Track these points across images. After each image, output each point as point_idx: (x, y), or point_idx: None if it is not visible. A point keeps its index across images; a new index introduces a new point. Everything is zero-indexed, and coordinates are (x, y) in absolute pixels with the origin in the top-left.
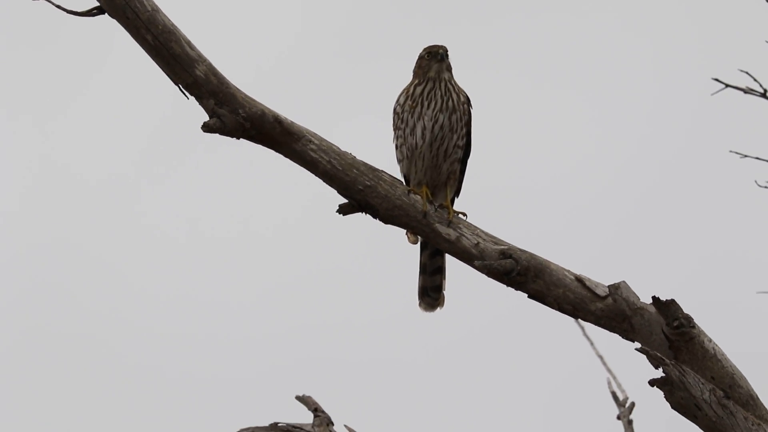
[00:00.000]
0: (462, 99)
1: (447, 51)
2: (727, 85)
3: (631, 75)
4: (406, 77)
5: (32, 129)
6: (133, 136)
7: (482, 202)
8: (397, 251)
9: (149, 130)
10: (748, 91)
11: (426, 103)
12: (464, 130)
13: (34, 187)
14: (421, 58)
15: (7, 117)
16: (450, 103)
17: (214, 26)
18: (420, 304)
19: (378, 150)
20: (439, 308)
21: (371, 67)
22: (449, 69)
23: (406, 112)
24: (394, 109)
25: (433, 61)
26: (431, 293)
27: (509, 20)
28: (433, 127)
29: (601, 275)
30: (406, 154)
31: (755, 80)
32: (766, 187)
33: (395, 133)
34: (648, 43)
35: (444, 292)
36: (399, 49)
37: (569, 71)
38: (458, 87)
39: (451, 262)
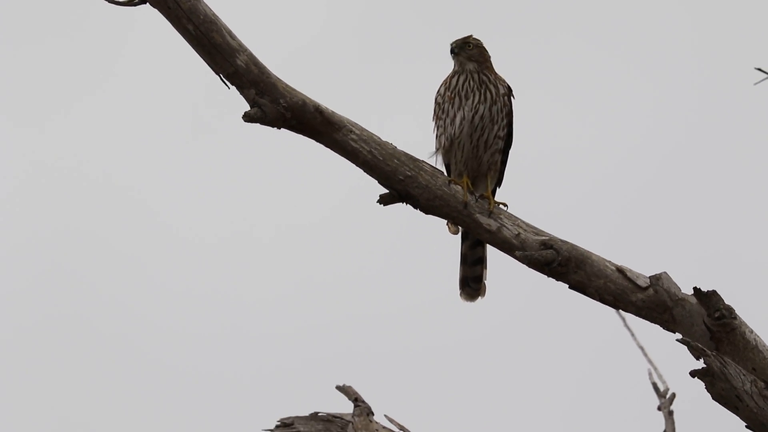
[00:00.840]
0: (503, 90)
1: (461, 45)
2: None
3: (671, 67)
4: (426, 75)
5: (41, 123)
6: (149, 129)
7: (523, 192)
8: (436, 241)
9: (164, 123)
10: None
11: (464, 95)
12: (505, 121)
13: (42, 182)
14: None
15: (14, 112)
16: (488, 94)
17: (235, 15)
18: (461, 294)
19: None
20: (480, 298)
21: (389, 64)
22: (472, 60)
23: (447, 103)
24: (435, 99)
25: (452, 57)
26: (472, 283)
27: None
28: (473, 117)
29: (643, 263)
30: (445, 144)
31: None
32: None
33: (436, 123)
34: (688, 34)
35: (485, 282)
36: (418, 48)
37: (610, 62)
38: (497, 77)
39: (492, 252)
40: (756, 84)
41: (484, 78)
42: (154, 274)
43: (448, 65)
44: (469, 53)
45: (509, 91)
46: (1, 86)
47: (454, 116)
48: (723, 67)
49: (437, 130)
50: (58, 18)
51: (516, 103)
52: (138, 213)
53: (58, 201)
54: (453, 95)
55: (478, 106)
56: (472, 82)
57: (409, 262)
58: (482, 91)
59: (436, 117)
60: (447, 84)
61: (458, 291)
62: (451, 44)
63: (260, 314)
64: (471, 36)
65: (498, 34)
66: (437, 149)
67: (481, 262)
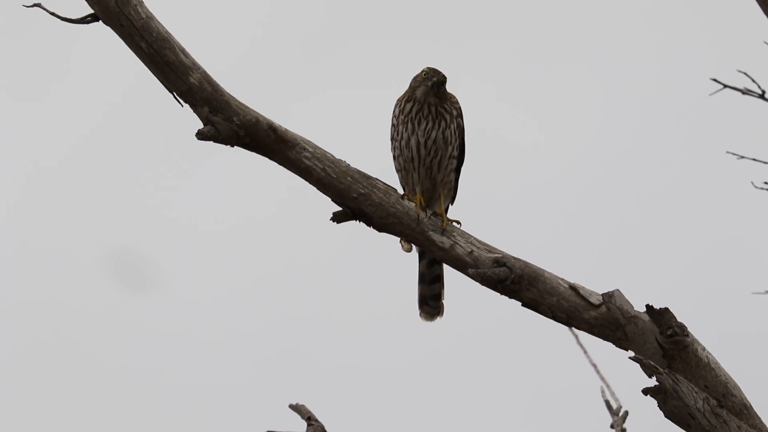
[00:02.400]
0: (455, 113)
1: (443, 81)
2: (725, 86)
3: (626, 73)
4: (361, 76)
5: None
6: (115, 133)
7: (476, 210)
8: (392, 257)
9: (131, 127)
10: (746, 92)
11: (416, 122)
12: (458, 141)
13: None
14: (420, 71)
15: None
16: (442, 122)
17: (180, 20)
18: (420, 314)
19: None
20: (438, 317)
21: (331, 61)
22: (438, 95)
23: (401, 125)
24: (391, 120)
25: (424, 84)
26: (430, 302)
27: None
28: (426, 142)
29: (596, 279)
30: (403, 165)
31: (753, 81)
32: (763, 188)
33: (392, 144)
34: (649, 41)
35: (443, 301)
36: (359, 54)
37: (563, 65)
38: (450, 100)
39: (448, 270)
40: (711, 95)
41: (441, 110)
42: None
43: (386, 73)
44: (440, 90)
45: (460, 114)
46: None
47: (408, 139)
48: (678, 72)
49: (393, 151)
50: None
51: (467, 120)
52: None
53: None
54: (406, 120)
55: (430, 132)
56: (425, 111)
57: (364, 278)
58: (437, 119)
59: (392, 138)
60: (401, 108)
61: (417, 310)
62: (437, 77)
63: (212, 331)
64: (443, 74)
65: (445, 35)
66: (398, 170)
67: (439, 280)
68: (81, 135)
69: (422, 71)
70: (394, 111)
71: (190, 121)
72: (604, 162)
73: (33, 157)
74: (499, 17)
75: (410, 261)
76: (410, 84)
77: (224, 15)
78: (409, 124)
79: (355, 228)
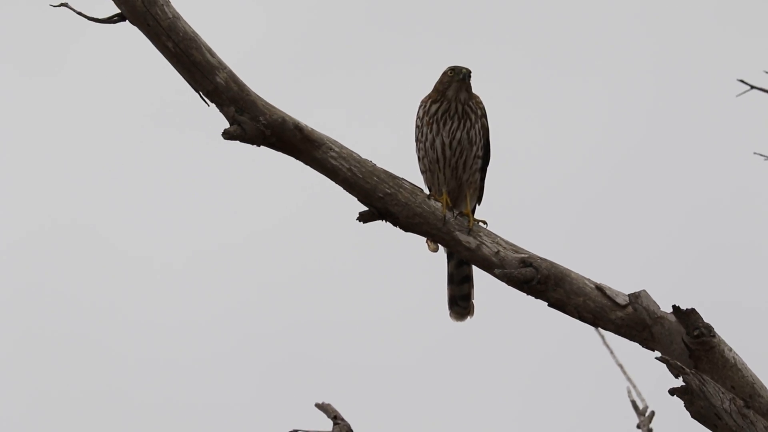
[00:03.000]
0: (479, 113)
1: (470, 73)
2: (752, 87)
3: (634, 70)
4: (367, 83)
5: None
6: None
7: (503, 210)
8: (420, 257)
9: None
10: None
11: (441, 122)
12: (482, 141)
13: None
14: (443, 74)
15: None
16: (467, 122)
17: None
18: (450, 314)
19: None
20: (469, 317)
21: (333, 69)
22: (468, 90)
23: (425, 126)
24: (415, 122)
25: (455, 80)
26: (460, 302)
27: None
28: (450, 142)
29: (622, 280)
30: (429, 166)
31: None
32: None
33: (416, 145)
34: (654, 40)
35: (473, 300)
36: (362, 53)
37: (573, 65)
38: (475, 100)
39: (476, 269)
40: (738, 96)
41: (467, 108)
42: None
43: (396, 71)
44: (469, 83)
45: (484, 114)
46: None
47: (433, 140)
48: (699, 76)
49: (418, 152)
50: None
51: (492, 120)
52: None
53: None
54: (431, 121)
55: (455, 132)
56: (452, 110)
57: (389, 276)
58: (463, 120)
59: (417, 140)
60: (426, 109)
61: (447, 310)
62: (465, 69)
63: (237, 330)
64: (467, 67)
65: (451, 38)
66: (423, 171)
67: (468, 280)
68: (93, 114)
69: (447, 71)
70: (417, 113)
71: (201, 118)
72: (624, 167)
73: (43, 134)
74: (503, 19)
75: (436, 260)
76: (435, 86)
77: (231, 11)
78: (434, 125)
79: (381, 228)
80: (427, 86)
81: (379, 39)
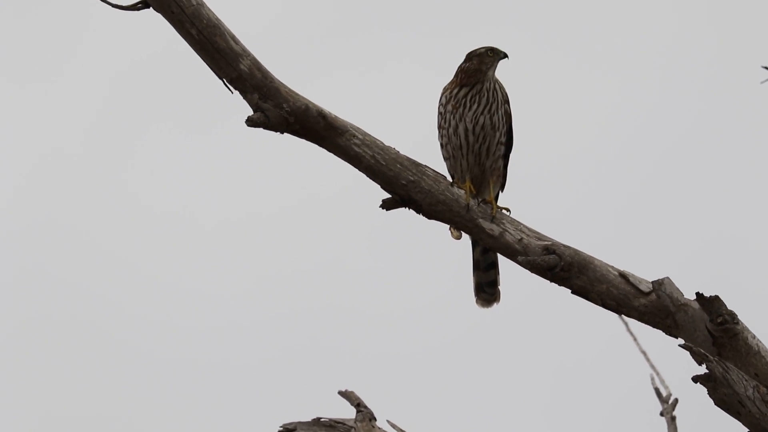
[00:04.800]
0: (502, 99)
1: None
2: None
3: (642, 55)
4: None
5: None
6: (127, 117)
7: (526, 197)
8: (440, 245)
9: (145, 108)
10: None
11: (468, 105)
12: (505, 127)
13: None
14: (481, 54)
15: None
16: (494, 105)
17: None
18: (477, 301)
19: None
20: (495, 304)
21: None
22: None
23: (449, 113)
24: (437, 108)
25: (496, 60)
26: (487, 289)
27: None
28: (474, 128)
29: (644, 268)
30: (452, 153)
31: None
32: None
33: (439, 132)
34: (660, 26)
35: (499, 287)
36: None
37: (583, 49)
38: (499, 85)
39: (501, 257)
40: (763, 82)
41: (496, 87)
42: (146, 269)
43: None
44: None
45: (507, 101)
46: None
47: (456, 126)
48: (721, 63)
49: (441, 138)
50: None
51: (514, 107)
52: (114, 206)
53: (30, 192)
54: (457, 104)
55: (479, 117)
56: (485, 92)
57: (413, 264)
58: (491, 102)
59: (439, 127)
60: (452, 94)
61: (473, 297)
62: (502, 51)
63: (262, 318)
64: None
65: (466, 33)
66: (446, 158)
67: (494, 266)
68: (95, 115)
69: (484, 50)
70: (440, 100)
71: (203, 105)
72: (654, 155)
73: (41, 141)
74: (503, 9)
75: (460, 247)
76: (462, 69)
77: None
78: (460, 108)
79: (405, 215)
80: (429, 79)
81: (379, 34)
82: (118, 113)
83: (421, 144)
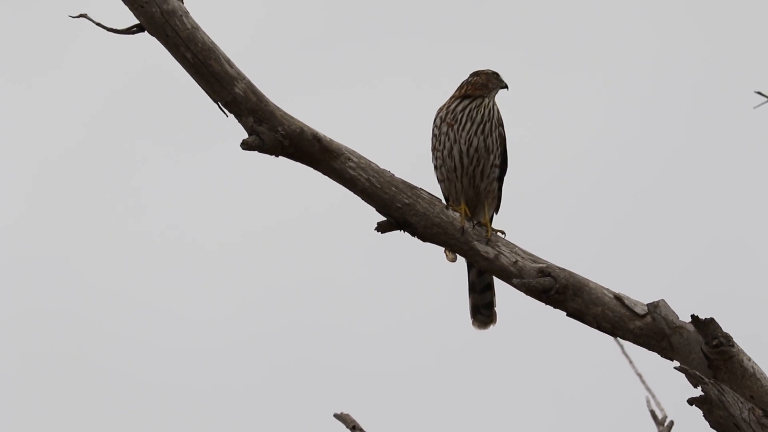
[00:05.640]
0: (496, 122)
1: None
2: None
3: (625, 70)
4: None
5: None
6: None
7: (520, 219)
8: (436, 265)
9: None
10: None
11: (463, 123)
12: (500, 150)
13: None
14: (489, 74)
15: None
16: (488, 126)
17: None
18: (473, 323)
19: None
20: (492, 325)
21: (328, 60)
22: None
23: (443, 134)
24: (432, 131)
25: (500, 86)
26: (483, 311)
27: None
28: (468, 150)
29: (640, 288)
30: (446, 175)
31: None
32: None
33: (433, 154)
34: (646, 37)
35: (495, 308)
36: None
37: (570, 62)
38: (497, 110)
39: (497, 279)
40: (756, 108)
41: (496, 107)
42: (138, 290)
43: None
44: None
45: (501, 122)
46: None
47: (451, 148)
48: (715, 75)
49: (435, 161)
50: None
51: (508, 126)
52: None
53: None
54: (453, 121)
55: (472, 139)
56: (482, 110)
57: (407, 284)
58: (483, 121)
59: (434, 148)
60: (449, 109)
61: (469, 319)
62: (504, 81)
63: (257, 340)
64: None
65: (440, 37)
66: (440, 180)
67: (490, 288)
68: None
69: (491, 74)
70: (435, 121)
71: (192, 123)
72: (631, 171)
73: (34, 145)
74: (496, 18)
75: (456, 269)
76: (464, 86)
77: (224, 11)
78: (453, 129)
79: (400, 237)
80: (417, 91)
81: (369, 48)
82: (108, 133)
83: (415, 165)
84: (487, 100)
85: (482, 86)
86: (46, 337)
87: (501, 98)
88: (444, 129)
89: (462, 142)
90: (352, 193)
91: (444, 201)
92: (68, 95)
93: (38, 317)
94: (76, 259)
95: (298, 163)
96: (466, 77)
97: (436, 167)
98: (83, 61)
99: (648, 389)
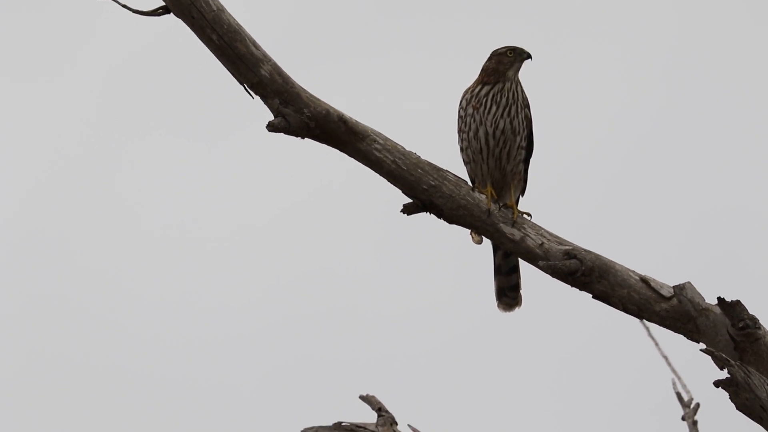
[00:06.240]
0: (523, 103)
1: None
2: None
3: (645, 49)
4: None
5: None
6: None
7: (547, 201)
8: (460, 249)
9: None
10: None
11: (488, 106)
12: (526, 131)
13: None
14: (501, 54)
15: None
16: (513, 108)
17: None
18: (498, 305)
19: None
20: (517, 308)
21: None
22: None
23: (469, 116)
24: (458, 112)
25: (517, 60)
26: (509, 293)
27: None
28: (494, 132)
29: (665, 273)
30: (472, 157)
31: None
32: None
33: (459, 136)
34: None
35: (521, 291)
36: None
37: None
38: (522, 90)
39: (522, 261)
40: None
41: (518, 90)
42: (155, 280)
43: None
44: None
45: (528, 104)
46: None
47: (477, 130)
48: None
49: (461, 142)
50: None
51: (534, 110)
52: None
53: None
54: (479, 104)
55: (498, 121)
56: (507, 93)
57: (430, 267)
58: (510, 104)
59: (459, 131)
60: (474, 93)
61: (494, 302)
62: (525, 51)
63: (282, 323)
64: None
65: (456, 16)
66: (466, 162)
67: (515, 270)
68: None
69: (505, 49)
70: (460, 103)
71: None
72: (667, 157)
73: (39, 141)
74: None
75: (481, 252)
76: (485, 70)
77: None
78: (480, 111)
79: (426, 219)
80: (443, 70)
81: (380, 24)
82: (114, 117)
83: (441, 147)
84: (508, 84)
85: (494, 71)
86: (52, 327)
87: (524, 72)
88: (470, 111)
89: (488, 124)
90: (377, 174)
91: (470, 183)
92: (79, 86)
93: (44, 308)
94: (88, 248)
95: (323, 145)
96: (486, 58)
97: (462, 149)
98: (97, 50)
99: (674, 371)
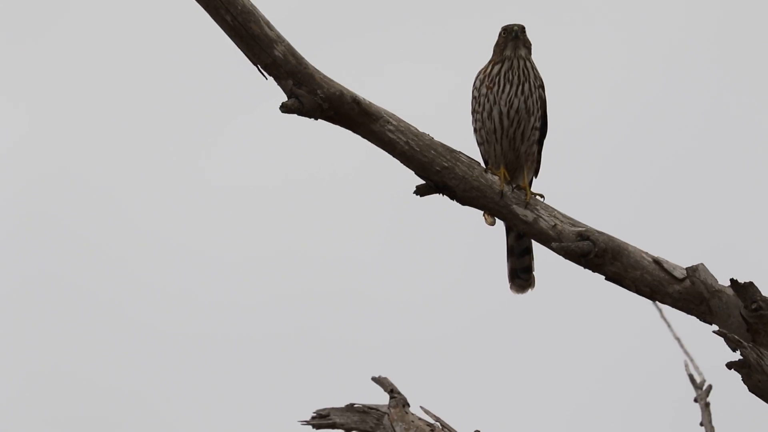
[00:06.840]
0: (537, 83)
1: (523, 29)
2: None
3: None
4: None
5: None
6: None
7: (559, 183)
8: (474, 231)
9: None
10: None
11: (502, 85)
12: (540, 112)
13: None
14: (498, 36)
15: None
16: (526, 86)
17: None
18: (511, 287)
19: None
20: (530, 289)
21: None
22: (526, 46)
23: (483, 96)
24: (472, 93)
25: (509, 39)
26: (521, 274)
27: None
28: (508, 111)
29: (678, 254)
30: (486, 137)
31: None
32: None
33: (473, 117)
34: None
35: (534, 272)
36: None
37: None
38: (535, 68)
39: (535, 243)
40: None
41: (527, 66)
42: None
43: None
44: (525, 38)
45: (542, 85)
46: None
47: (491, 110)
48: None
49: (475, 123)
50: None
51: (548, 92)
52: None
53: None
54: (491, 83)
55: (513, 100)
56: (516, 71)
57: (443, 249)
58: (522, 81)
59: (473, 111)
60: (486, 72)
61: (507, 283)
62: (516, 26)
63: (295, 305)
64: (518, 24)
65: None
66: (480, 143)
67: (528, 252)
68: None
69: (500, 30)
70: (474, 83)
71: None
72: (686, 138)
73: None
74: None
75: (494, 233)
76: (494, 50)
77: None
78: (493, 90)
79: (439, 201)
80: (456, 54)
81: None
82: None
83: (455, 128)
84: (515, 61)
85: (496, 49)
86: (61, 275)
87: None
88: (483, 91)
89: (502, 103)
90: (390, 156)
91: (483, 164)
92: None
93: (55, 256)
94: (97, 194)
95: (336, 126)
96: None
97: (475, 129)
98: (109, 20)
99: (686, 353)
